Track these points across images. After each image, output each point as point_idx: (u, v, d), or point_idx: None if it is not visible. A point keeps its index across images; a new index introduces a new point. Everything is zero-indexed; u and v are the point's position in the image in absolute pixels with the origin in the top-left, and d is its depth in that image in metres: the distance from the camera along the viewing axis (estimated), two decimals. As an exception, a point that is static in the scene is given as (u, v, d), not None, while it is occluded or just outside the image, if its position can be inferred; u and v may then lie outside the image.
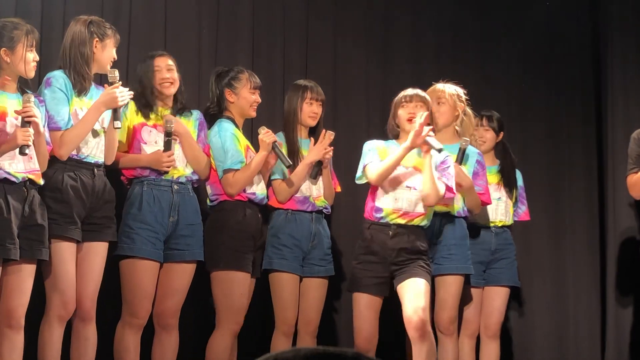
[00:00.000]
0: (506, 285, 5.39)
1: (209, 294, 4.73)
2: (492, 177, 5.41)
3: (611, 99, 6.23)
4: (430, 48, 6.15)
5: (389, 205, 4.67)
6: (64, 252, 4.18)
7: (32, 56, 4.13)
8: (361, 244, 4.74)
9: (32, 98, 4.06)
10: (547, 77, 6.40)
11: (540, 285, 6.16)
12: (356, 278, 4.70)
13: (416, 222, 4.68)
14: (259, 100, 4.87)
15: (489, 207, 5.36)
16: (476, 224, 5.30)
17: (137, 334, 4.46)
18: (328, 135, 4.93)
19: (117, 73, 4.32)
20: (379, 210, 4.68)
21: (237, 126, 4.82)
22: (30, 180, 4.06)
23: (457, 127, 5.17)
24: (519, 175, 5.58)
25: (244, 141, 4.82)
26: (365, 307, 4.68)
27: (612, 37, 6.30)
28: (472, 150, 5.16)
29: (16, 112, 4.03)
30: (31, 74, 4.16)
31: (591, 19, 6.52)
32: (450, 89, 5.13)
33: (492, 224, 5.37)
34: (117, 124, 4.27)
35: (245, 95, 4.83)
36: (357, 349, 4.52)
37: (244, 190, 4.71)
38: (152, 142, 4.60)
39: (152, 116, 4.62)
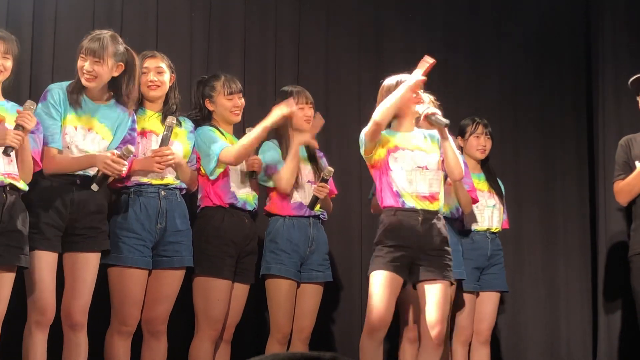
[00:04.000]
0: (498, 290, 5.42)
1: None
2: (483, 185, 5.44)
3: (603, 104, 6.24)
4: (421, 49, 6.09)
5: (406, 189, 4.50)
6: (38, 260, 4.13)
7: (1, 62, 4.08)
8: (388, 229, 4.47)
9: (34, 106, 4.02)
10: (539, 81, 6.42)
11: (531, 290, 6.18)
12: (380, 259, 4.45)
13: (436, 205, 4.52)
14: (239, 104, 4.80)
15: (485, 214, 5.38)
16: (471, 230, 5.35)
17: (126, 341, 4.44)
18: (318, 117, 4.93)
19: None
20: (398, 195, 4.51)
21: (221, 132, 4.78)
22: (10, 185, 4.00)
23: None
24: (500, 183, 5.59)
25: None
26: (388, 284, 4.42)
27: (604, 41, 6.31)
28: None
29: (18, 111, 3.99)
30: None
31: (583, 22, 6.53)
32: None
33: (487, 230, 5.39)
34: (94, 187, 4.17)
35: (221, 103, 4.79)
36: (370, 327, 4.41)
37: (224, 196, 4.68)
38: (140, 155, 4.52)
39: (141, 120, 4.56)
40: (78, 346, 4.25)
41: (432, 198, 4.51)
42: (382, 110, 4.46)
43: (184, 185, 4.63)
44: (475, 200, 5.26)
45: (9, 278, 4.03)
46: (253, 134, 4.68)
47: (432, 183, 4.53)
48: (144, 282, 4.46)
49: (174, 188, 4.57)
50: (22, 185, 4.06)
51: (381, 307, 4.41)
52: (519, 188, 6.03)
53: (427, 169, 4.53)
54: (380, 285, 4.42)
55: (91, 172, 4.23)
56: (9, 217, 3.99)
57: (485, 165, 5.53)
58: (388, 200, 4.52)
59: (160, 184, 4.52)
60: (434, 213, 4.52)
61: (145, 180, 4.50)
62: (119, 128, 4.37)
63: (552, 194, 6.34)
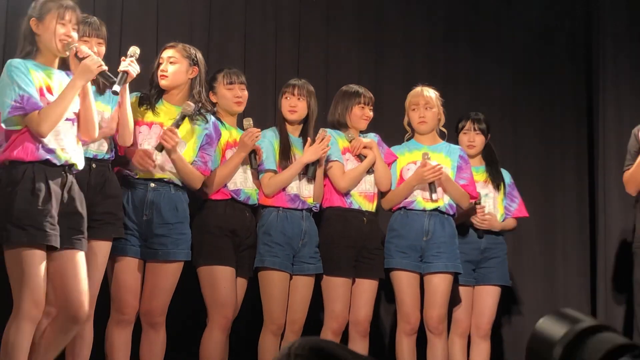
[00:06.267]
0: (497, 284, 5.35)
1: (198, 292, 4.72)
2: (479, 176, 5.41)
3: (603, 99, 6.23)
4: (422, 47, 6.17)
5: (354, 189, 5.01)
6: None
7: (64, 31, 3.91)
8: (336, 228, 4.96)
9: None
10: (539, 77, 6.41)
11: (531, 285, 6.17)
12: (335, 262, 4.92)
13: (375, 204, 5.04)
14: (240, 94, 4.83)
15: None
16: (466, 224, 5.32)
17: (125, 329, 4.45)
18: (327, 138, 4.93)
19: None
20: (348, 195, 5.00)
21: (224, 125, 4.82)
22: (70, 165, 3.91)
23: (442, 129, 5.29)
24: (506, 173, 5.55)
25: (231, 137, 4.82)
26: (347, 290, 4.94)
27: (604, 37, 6.30)
28: (454, 146, 5.25)
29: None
30: (61, 48, 3.91)
31: (583, 18, 6.52)
32: (436, 94, 5.16)
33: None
34: (117, 87, 4.03)
35: (222, 93, 4.84)
36: (332, 330, 4.86)
37: (226, 187, 4.73)
38: (137, 146, 4.52)
39: (150, 112, 4.57)
40: (82, 339, 4.24)
41: (375, 197, 5.05)
42: (354, 181, 5.00)
43: (177, 181, 4.58)
44: (473, 196, 5.22)
45: (81, 258, 3.95)
46: (232, 164, 4.72)
47: (373, 183, 5.05)
48: (135, 270, 4.47)
49: (166, 182, 4.55)
50: (79, 166, 3.98)
51: (344, 310, 4.97)
52: (518, 182, 6.01)
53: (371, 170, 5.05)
54: (343, 291, 4.94)
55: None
56: (70, 198, 3.91)
57: (487, 155, 5.47)
58: (336, 199, 4.99)
59: (150, 179, 4.53)
60: (375, 214, 5.06)
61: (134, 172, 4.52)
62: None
63: (552, 189, 6.32)
